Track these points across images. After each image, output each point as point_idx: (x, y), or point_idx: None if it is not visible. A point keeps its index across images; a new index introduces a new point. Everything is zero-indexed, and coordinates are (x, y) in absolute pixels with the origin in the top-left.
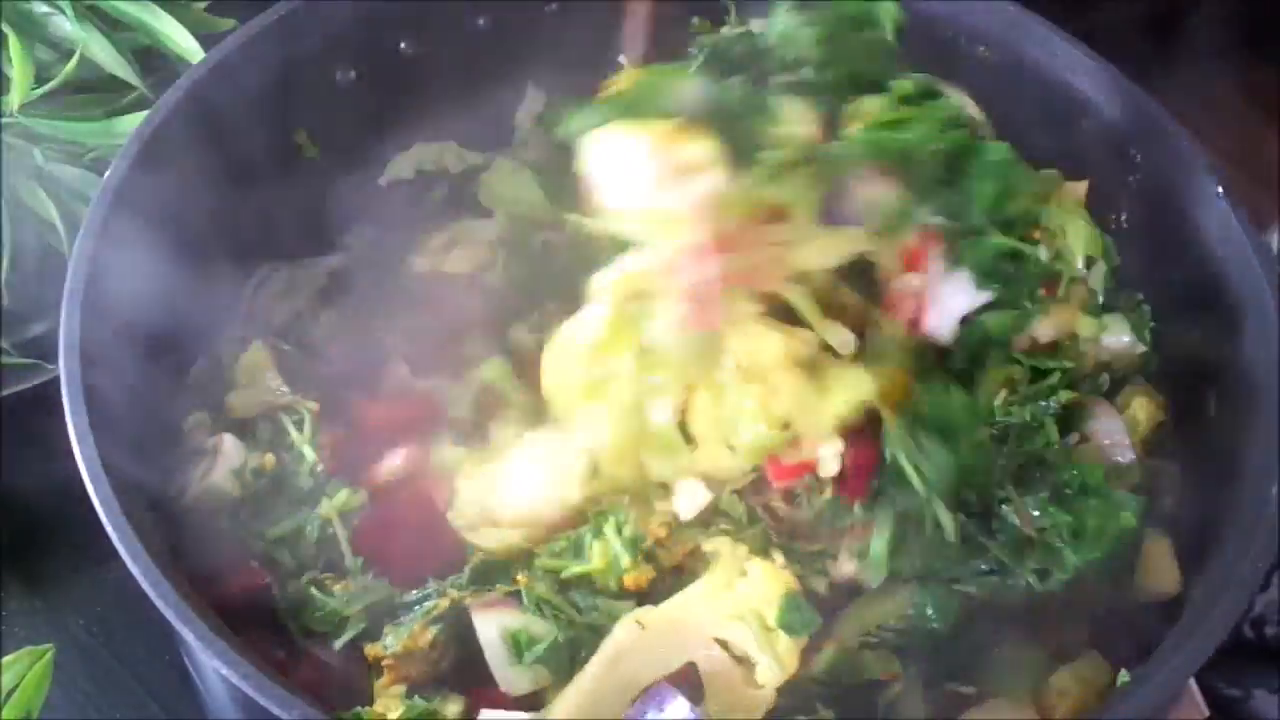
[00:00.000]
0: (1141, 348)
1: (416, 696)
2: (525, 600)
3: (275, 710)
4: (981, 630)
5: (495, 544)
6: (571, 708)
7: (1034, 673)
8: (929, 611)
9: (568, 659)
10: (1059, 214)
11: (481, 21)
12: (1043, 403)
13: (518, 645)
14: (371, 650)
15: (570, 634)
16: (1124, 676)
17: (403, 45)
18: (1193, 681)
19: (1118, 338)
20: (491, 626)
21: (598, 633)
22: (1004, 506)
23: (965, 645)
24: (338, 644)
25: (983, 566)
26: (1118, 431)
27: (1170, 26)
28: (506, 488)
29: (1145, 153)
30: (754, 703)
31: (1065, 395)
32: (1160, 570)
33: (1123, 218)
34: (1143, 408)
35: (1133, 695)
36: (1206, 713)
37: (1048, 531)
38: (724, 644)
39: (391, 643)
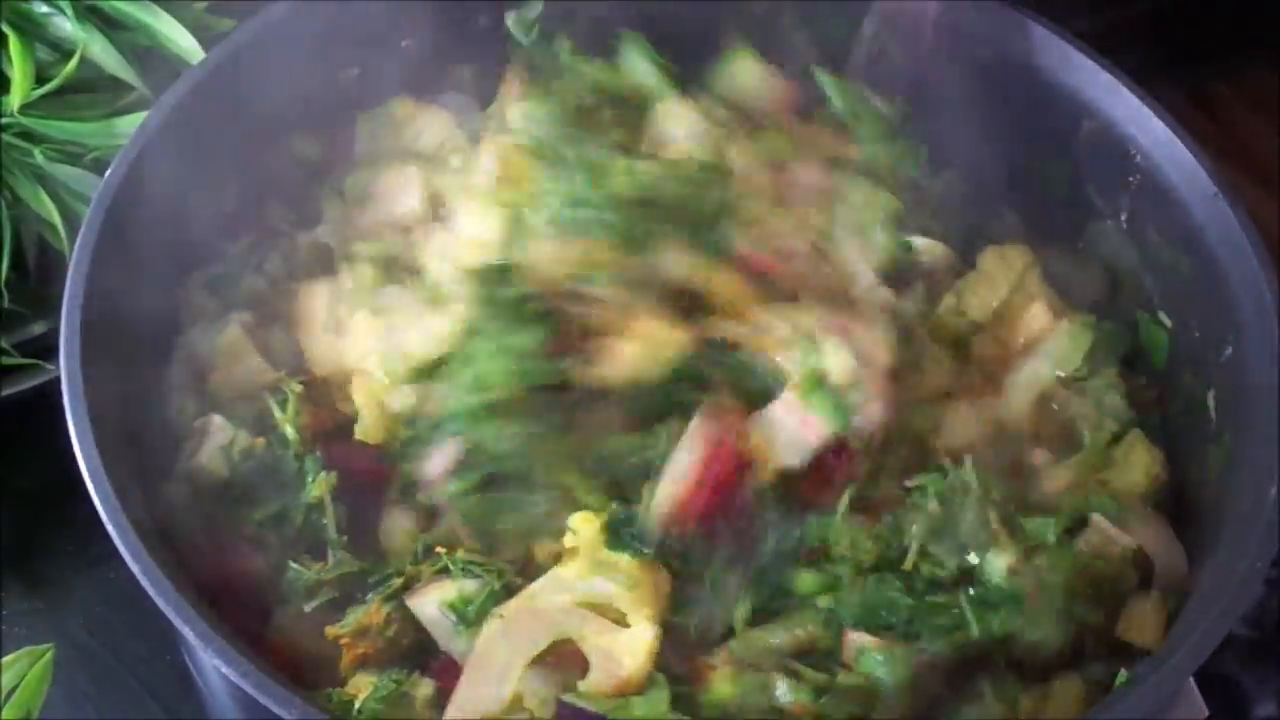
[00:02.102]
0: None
1: (388, 677)
2: (452, 569)
3: (275, 709)
4: (935, 683)
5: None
6: (457, 705)
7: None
8: (876, 666)
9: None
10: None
11: (483, 20)
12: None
13: (458, 610)
14: (331, 631)
15: (502, 583)
16: (1123, 676)
17: (404, 44)
18: (1192, 681)
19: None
20: (429, 605)
21: (525, 579)
22: (986, 555)
23: (922, 700)
24: (308, 607)
25: (944, 622)
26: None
27: (1170, 26)
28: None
29: (1145, 153)
30: (633, 647)
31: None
32: (1143, 620)
33: (1122, 218)
34: (1140, 463)
35: (1132, 695)
36: (1206, 712)
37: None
38: (590, 606)
39: (349, 621)
